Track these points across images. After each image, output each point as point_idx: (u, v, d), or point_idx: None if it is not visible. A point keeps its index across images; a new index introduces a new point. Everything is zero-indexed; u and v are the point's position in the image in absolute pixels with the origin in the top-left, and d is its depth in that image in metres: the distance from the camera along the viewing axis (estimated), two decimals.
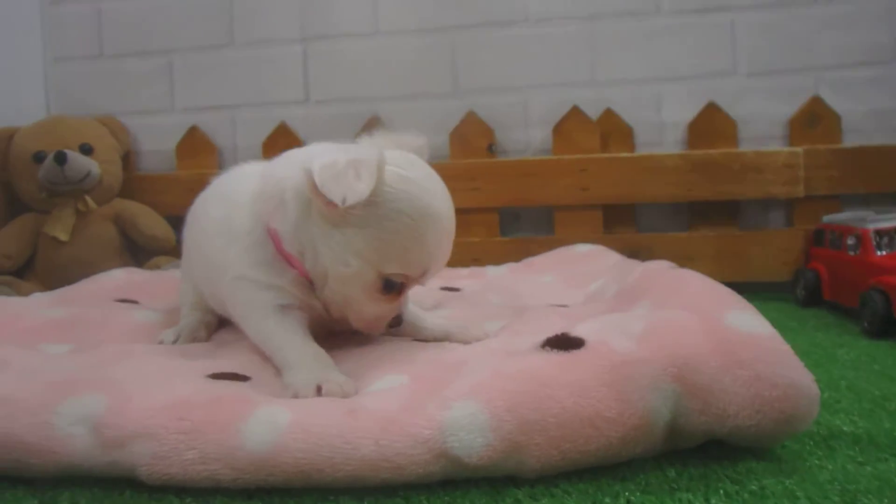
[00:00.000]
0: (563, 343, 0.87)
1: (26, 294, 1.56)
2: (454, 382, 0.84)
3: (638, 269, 1.27)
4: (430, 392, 0.83)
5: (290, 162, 1.04)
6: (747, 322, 0.88)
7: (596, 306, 1.24)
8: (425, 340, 1.13)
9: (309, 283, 1.05)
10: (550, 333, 0.91)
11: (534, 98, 2.14)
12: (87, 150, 2.13)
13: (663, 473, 0.80)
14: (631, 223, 2.08)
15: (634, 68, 2.10)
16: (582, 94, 2.11)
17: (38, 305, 1.37)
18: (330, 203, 0.91)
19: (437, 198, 0.99)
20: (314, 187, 0.91)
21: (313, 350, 1.01)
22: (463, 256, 2.06)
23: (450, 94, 2.18)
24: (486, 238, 2.10)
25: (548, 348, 0.87)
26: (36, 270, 2.09)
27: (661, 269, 1.21)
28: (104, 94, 2.40)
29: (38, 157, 2.08)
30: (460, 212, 2.19)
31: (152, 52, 2.37)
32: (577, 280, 1.63)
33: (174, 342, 1.20)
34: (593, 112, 2.08)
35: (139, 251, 2.18)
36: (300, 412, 0.81)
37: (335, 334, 1.14)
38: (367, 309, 1.02)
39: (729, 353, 0.82)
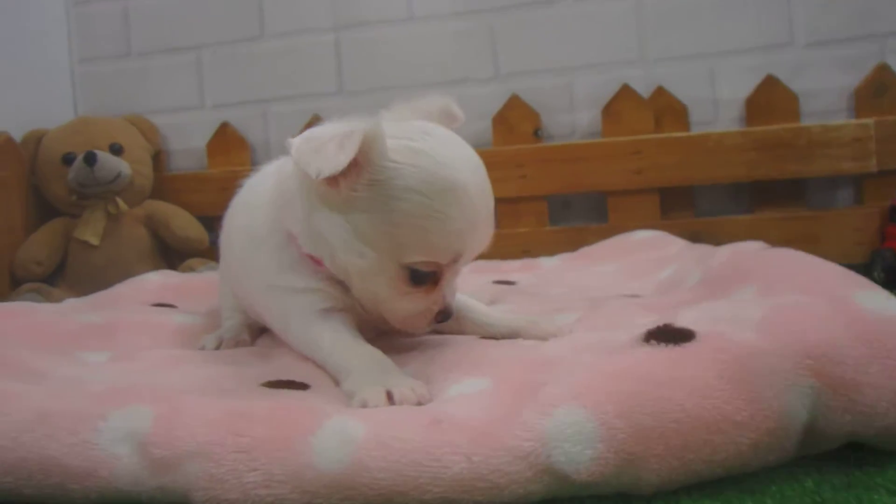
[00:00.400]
0: (671, 335, 0.76)
1: (57, 301, 1.47)
2: (549, 385, 0.73)
3: (723, 252, 1.16)
4: (522, 397, 0.72)
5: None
6: (882, 303, 0.77)
7: (679, 295, 1.12)
8: (492, 338, 1.03)
9: (342, 283, 0.95)
10: (648, 325, 0.80)
11: (580, 79, 2.03)
12: (117, 150, 2.06)
13: (800, 484, 0.69)
14: (689, 207, 1.96)
15: (686, 43, 1.97)
16: (631, 72, 1.99)
17: (73, 311, 1.28)
18: (329, 182, 0.82)
19: (459, 168, 0.85)
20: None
21: (370, 352, 0.91)
22: (512, 248, 1.95)
23: (491, 79, 2.08)
24: (535, 228, 1.99)
25: (653, 342, 0.75)
26: (67, 276, 2.02)
27: (755, 251, 1.09)
28: (132, 93, 2.33)
29: (68, 159, 2.01)
30: (507, 201, 2.14)
31: (180, 49, 2.30)
32: (642, 269, 1.52)
33: (217, 348, 1.13)
34: (644, 91, 1.97)
35: (172, 254, 2.11)
36: (376, 424, 0.71)
37: (385, 335, 1.04)
38: (400, 305, 0.90)
39: (872, 341, 0.71)
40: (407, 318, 0.92)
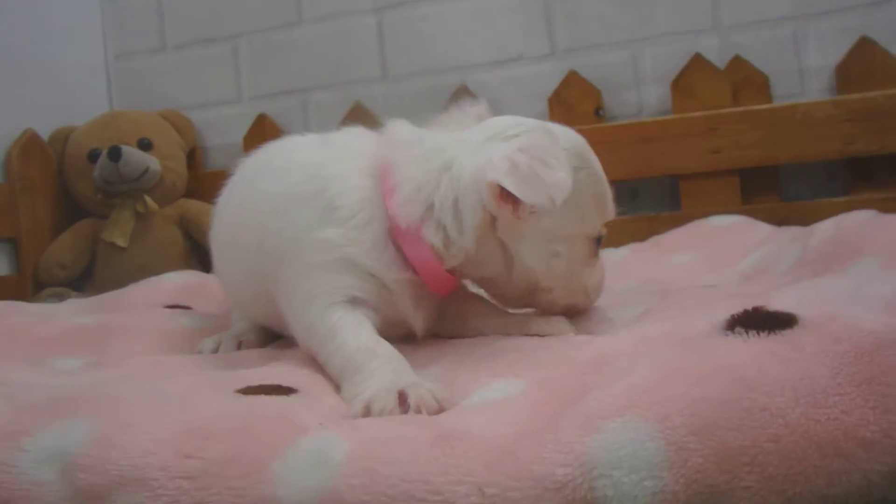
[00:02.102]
0: (764, 321, 0.56)
1: None
2: (599, 388, 0.54)
3: (825, 227, 0.94)
4: (564, 404, 0.55)
5: (436, 165, 0.83)
6: None
7: (771, 279, 0.91)
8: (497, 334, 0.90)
9: (420, 284, 0.86)
10: (732, 310, 0.60)
11: (645, 51, 1.81)
12: (146, 145, 1.94)
13: None
14: (774, 190, 1.72)
15: (765, 6, 1.74)
16: (704, 41, 1.77)
17: (68, 312, 1.17)
18: (517, 209, 0.78)
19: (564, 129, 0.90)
20: (499, 197, 0.76)
21: (387, 349, 0.78)
22: None
23: (547, 56, 1.89)
24: None
25: (740, 330, 0.55)
26: (95, 280, 1.91)
27: (866, 219, 0.88)
28: (168, 88, 2.23)
29: (93, 156, 1.90)
30: None
31: (216, 39, 2.18)
32: (722, 258, 1.30)
33: (214, 351, 1.03)
34: (719, 61, 1.75)
35: (206, 256, 1.97)
36: (364, 441, 0.54)
37: (409, 339, 0.91)
38: (591, 279, 0.91)
39: None
40: (595, 289, 0.93)
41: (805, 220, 1.54)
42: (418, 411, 0.63)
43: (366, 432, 0.55)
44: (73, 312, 1.16)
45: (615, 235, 1.73)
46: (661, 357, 0.55)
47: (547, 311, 0.90)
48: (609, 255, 1.57)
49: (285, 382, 0.72)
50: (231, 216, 1.01)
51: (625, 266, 1.44)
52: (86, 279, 1.94)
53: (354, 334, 0.79)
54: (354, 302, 0.83)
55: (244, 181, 1.02)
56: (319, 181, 0.85)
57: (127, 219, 1.89)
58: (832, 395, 0.48)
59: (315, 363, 0.81)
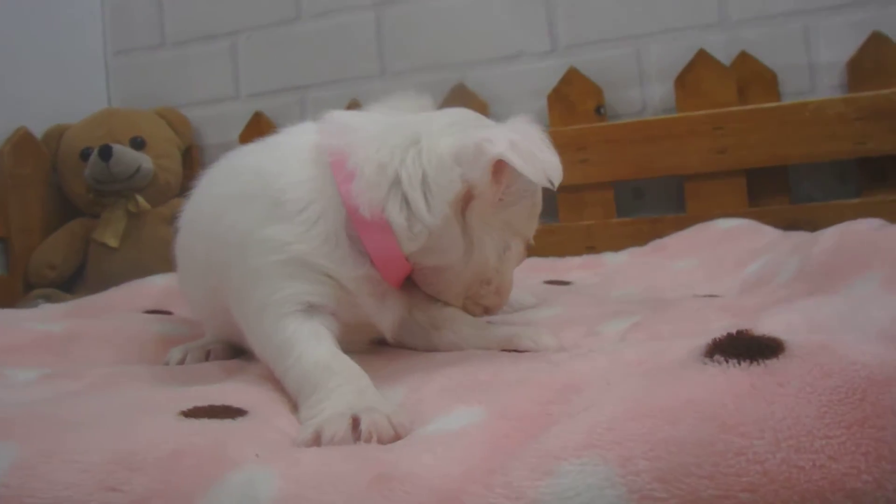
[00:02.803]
0: (746, 347, 0.50)
1: None
2: (562, 422, 0.48)
3: (829, 235, 0.88)
4: (524, 438, 0.49)
5: (400, 141, 0.79)
6: None
7: (767, 293, 0.85)
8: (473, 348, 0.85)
9: (378, 280, 0.81)
10: (717, 333, 0.54)
11: (648, 47, 1.75)
12: (138, 143, 1.91)
13: None
14: (783, 191, 1.65)
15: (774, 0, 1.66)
16: (709, 36, 1.71)
17: (38, 318, 1.12)
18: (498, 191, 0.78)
19: None
20: (497, 175, 0.76)
21: (347, 365, 0.72)
22: (573, 243, 1.70)
23: (547, 52, 1.83)
24: (600, 220, 1.72)
25: (719, 358, 0.50)
26: (86, 281, 1.87)
27: (869, 230, 0.82)
28: (167, 85, 2.20)
29: (85, 154, 1.87)
30: (567, 189, 1.83)
31: (215, 36, 2.14)
32: (725, 263, 1.24)
33: (180, 362, 0.97)
34: (725, 57, 1.68)
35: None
36: (297, 479, 0.48)
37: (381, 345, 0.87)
38: (511, 282, 0.91)
39: None
40: (509, 291, 0.92)
41: (815, 222, 1.49)
42: (368, 440, 0.58)
43: (303, 467, 0.50)
44: (41, 318, 1.11)
45: (616, 238, 1.68)
46: (630, 388, 0.50)
47: (472, 311, 0.90)
48: (608, 260, 1.53)
49: (237, 402, 0.67)
50: (187, 227, 0.97)
51: (623, 271, 1.38)
52: (77, 280, 1.90)
53: (312, 348, 0.73)
54: (311, 310, 0.77)
55: (199, 191, 0.96)
56: (264, 178, 0.80)
57: (119, 218, 1.85)
58: (818, 438, 0.42)
59: (275, 379, 0.75)
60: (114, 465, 0.52)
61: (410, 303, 0.88)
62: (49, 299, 1.67)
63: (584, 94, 1.75)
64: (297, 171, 0.80)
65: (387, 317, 0.83)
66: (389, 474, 0.47)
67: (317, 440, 0.59)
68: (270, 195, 0.78)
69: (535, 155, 0.74)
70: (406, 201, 0.76)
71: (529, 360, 0.73)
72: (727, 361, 0.49)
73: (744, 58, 1.66)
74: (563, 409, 0.54)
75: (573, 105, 1.76)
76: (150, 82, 2.22)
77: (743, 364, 0.48)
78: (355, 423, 0.59)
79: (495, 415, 0.56)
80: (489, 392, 0.61)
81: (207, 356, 0.98)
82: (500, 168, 0.75)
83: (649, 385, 0.49)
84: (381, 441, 0.58)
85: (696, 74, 1.67)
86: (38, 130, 1.98)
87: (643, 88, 1.76)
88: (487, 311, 0.91)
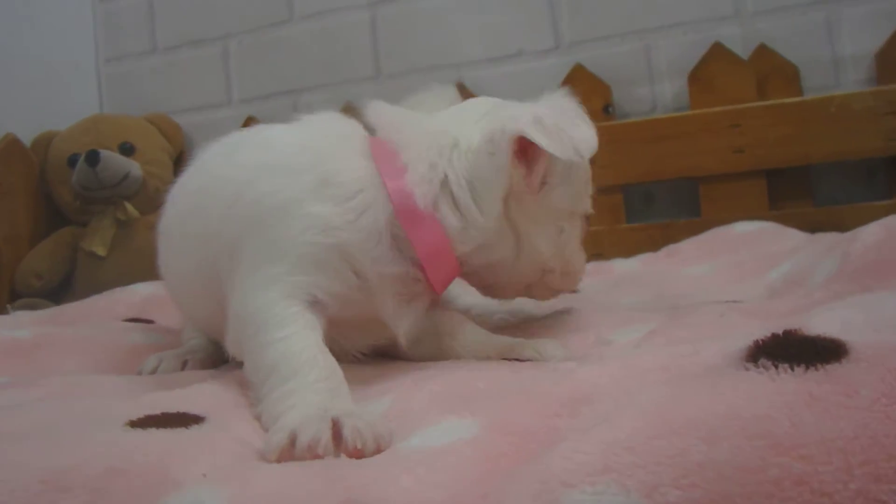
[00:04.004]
0: (798, 349, 0.41)
1: None
2: (570, 439, 0.39)
3: (869, 232, 0.77)
4: (523, 457, 0.41)
5: (445, 141, 0.76)
6: None
7: (804, 295, 0.76)
8: (476, 358, 0.78)
9: (413, 282, 0.75)
10: (756, 334, 0.44)
11: (659, 41, 1.67)
12: (127, 149, 1.84)
13: None
14: (806, 193, 1.55)
15: None
16: (724, 29, 1.62)
17: (8, 324, 1.07)
18: (529, 174, 0.74)
19: None
20: (516, 155, 0.73)
21: (331, 363, 0.64)
22: None
23: (551, 50, 1.75)
24: (609, 226, 1.63)
25: (765, 362, 0.40)
26: (75, 291, 1.79)
27: None
28: (159, 92, 2.15)
29: (73, 161, 1.80)
30: None
31: (206, 40, 2.09)
32: (745, 268, 1.15)
33: (153, 371, 0.91)
34: (742, 50, 1.59)
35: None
36: (249, 502, 0.39)
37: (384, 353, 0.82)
38: (581, 259, 0.88)
39: None
40: (583, 271, 0.90)
41: (841, 226, 1.38)
42: (349, 451, 0.50)
43: (257, 488, 0.41)
44: (10, 325, 1.05)
45: (626, 245, 1.59)
46: (653, 398, 0.40)
47: (541, 297, 0.88)
48: (617, 266, 1.43)
49: (194, 408, 0.58)
50: (186, 202, 0.88)
51: (634, 279, 1.29)
52: (65, 289, 1.83)
53: (305, 333, 0.66)
54: (314, 304, 0.70)
55: (213, 160, 0.88)
56: (312, 154, 0.74)
57: (107, 227, 1.78)
58: None
59: (245, 384, 0.66)
60: (44, 485, 0.45)
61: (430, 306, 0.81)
62: (34, 309, 1.60)
63: (591, 93, 1.66)
64: (348, 157, 0.75)
65: (404, 322, 0.76)
66: (358, 501, 0.38)
67: (291, 448, 0.50)
68: (321, 172, 0.72)
69: (562, 129, 0.71)
70: (456, 203, 0.74)
71: (532, 369, 0.64)
72: (776, 366, 0.39)
73: (762, 51, 1.58)
74: (572, 423, 0.44)
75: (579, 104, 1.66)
76: (141, 89, 2.16)
77: (797, 369, 0.39)
78: (336, 428, 0.51)
79: (490, 428, 0.46)
80: (485, 402, 0.51)
81: (184, 366, 0.92)
82: (524, 147, 0.73)
83: (678, 394, 0.39)
84: (361, 453, 0.50)
85: (711, 69, 1.59)
86: (30, 138, 1.93)
87: (654, 85, 1.67)
88: (558, 293, 0.89)
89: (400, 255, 0.73)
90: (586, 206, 0.85)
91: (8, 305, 1.58)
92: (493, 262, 0.79)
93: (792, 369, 0.39)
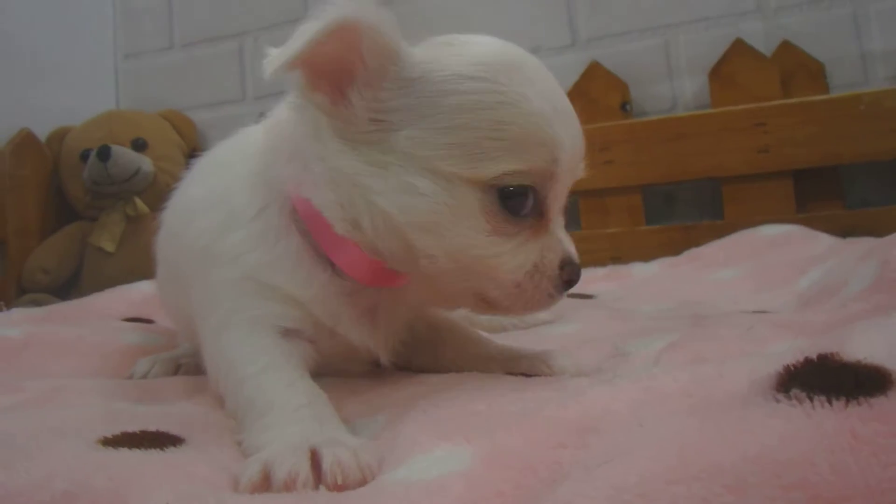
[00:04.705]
0: (836, 378, 0.35)
1: None
2: (575, 477, 0.34)
3: None
4: (518, 497, 0.37)
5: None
6: None
7: (839, 306, 0.70)
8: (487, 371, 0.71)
9: (349, 290, 0.66)
10: (787, 357, 0.39)
11: (679, 38, 1.62)
12: (140, 145, 1.83)
13: None
14: (836, 195, 1.49)
15: None
16: (746, 25, 1.58)
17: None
18: (335, 102, 0.60)
19: (520, 52, 0.65)
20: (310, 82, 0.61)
21: (312, 389, 0.60)
22: (597, 253, 1.55)
23: (567, 46, 1.71)
24: (627, 227, 1.58)
25: (798, 393, 0.35)
26: (82, 286, 1.78)
27: None
28: (174, 88, 2.16)
29: (85, 156, 1.79)
30: (590, 194, 1.67)
31: (223, 37, 2.08)
32: (774, 274, 1.10)
33: (144, 375, 0.87)
34: (764, 47, 1.54)
35: None
36: None
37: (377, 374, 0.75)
38: (505, 259, 0.62)
39: None
40: (520, 284, 0.63)
41: (875, 230, 1.33)
42: (330, 484, 0.45)
43: None
44: (2, 323, 1.01)
45: (645, 248, 1.53)
46: (671, 433, 0.35)
47: (478, 310, 0.70)
48: (636, 271, 1.38)
49: (176, 428, 0.55)
50: (168, 226, 0.85)
51: (654, 283, 1.24)
52: (73, 285, 1.81)
53: (278, 364, 0.62)
54: (287, 333, 0.66)
55: (184, 183, 0.84)
56: (217, 192, 0.71)
57: (116, 222, 1.77)
58: None
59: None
60: None
61: (410, 318, 0.75)
62: (39, 305, 1.58)
63: (608, 90, 1.62)
64: (243, 184, 0.70)
65: (375, 336, 0.69)
66: None
67: (265, 483, 0.45)
68: (226, 210, 0.69)
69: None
70: (309, 173, 0.64)
71: (538, 386, 0.59)
72: (811, 399, 0.34)
73: (786, 47, 1.52)
74: (578, 455, 0.40)
75: (595, 101, 1.62)
76: (158, 85, 2.16)
77: (836, 403, 0.34)
78: (315, 459, 0.47)
79: (485, 460, 0.42)
80: (483, 427, 0.47)
81: (177, 370, 0.89)
82: (319, 74, 0.60)
83: (700, 430, 0.34)
84: (344, 485, 0.45)
85: (733, 66, 1.53)
86: (47, 132, 1.94)
87: (673, 82, 1.62)
88: (495, 308, 0.66)
89: (320, 262, 0.66)
90: (486, 170, 0.59)
91: (29, 304, 1.56)
92: (382, 249, 0.63)
93: (830, 403, 0.34)
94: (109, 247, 1.75)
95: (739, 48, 1.53)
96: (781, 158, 1.47)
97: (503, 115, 0.59)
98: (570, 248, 0.65)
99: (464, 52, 0.61)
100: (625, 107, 1.61)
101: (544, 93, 0.61)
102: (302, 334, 0.66)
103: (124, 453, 0.49)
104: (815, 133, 1.44)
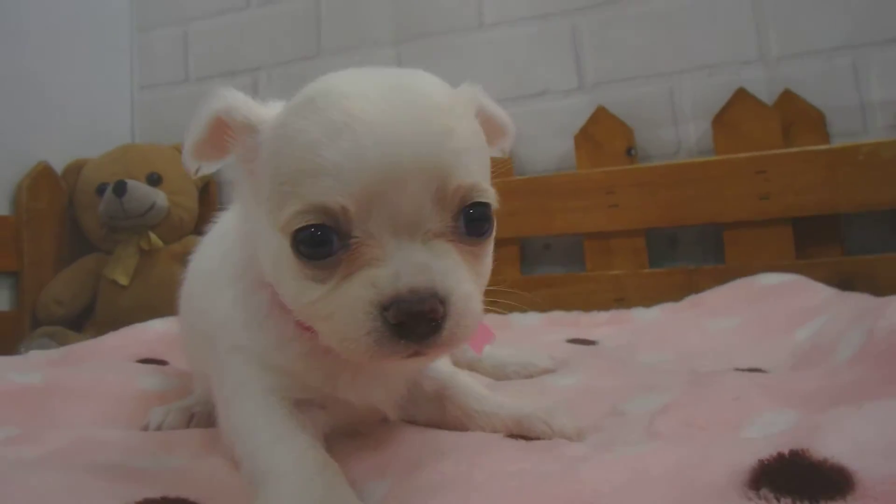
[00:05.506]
0: (802, 480, 0.39)
1: None
2: None
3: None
4: None
5: None
6: None
7: (829, 373, 0.73)
8: (482, 430, 0.74)
9: (335, 354, 0.61)
10: (765, 448, 0.43)
11: (683, 84, 1.65)
12: (154, 180, 1.86)
13: None
14: (835, 242, 1.52)
15: (819, 34, 1.56)
16: (749, 74, 1.61)
17: (21, 367, 1.06)
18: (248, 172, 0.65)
19: (339, 83, 0.61)
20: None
21: (320, 460, 0.62)
22: (600, 296, 1.58)
23: (574, 90, 1.74)
24: (630, 270, 1.61)
25: (767, 494, 0.38)
26: (96, 319, 1.81)
27: None
28: (188, 120, 2.14)
29: (102, 190, 1.83)
30: (594, 236, 1.71)
31: (237, 72, 2.13)
32: (770, 324, 1.13)
33: (159, 427, 0.89)
34: (766, 95, 1.57)
35: None
36: None
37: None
38: (319, 309, 0.58)
39: None
40: (344, 330, 0.55)
41: (873, 278, 1.36)
42: None
43: None
44: (23, 368, 1.04)
45: (648, 290, 1.56)
46: None
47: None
48: (638, 315, 1.41)
49: (194, 493, 0.58)
50: (190, 285, 0.90)
51: (654, 330, 1.27)
52: (87, 317, 1.84)
53: (291, 435, 0.65)
54: (299, 404, 0.69)
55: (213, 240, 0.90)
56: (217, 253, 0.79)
57: (130, 255, 1.80)
58: None
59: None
60: None
61: (410, 374, 0.77)
62: (53, 338, 1.62)
63: (614, 135, 1.65)
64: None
65: (380, 394, 0.72)
66: None
67: None
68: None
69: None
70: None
71: (539, 454, 0.62)
72: (777, 500, 0.37)
73: (787, 96, 1.55)
74: None
75: (602, 146, 1.65)
76: (172, 117, 2.19)
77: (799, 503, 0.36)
78: None
79: None
80: (481, 500, 0.50)
81: (190, 420, 0.90)
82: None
83: None
84: None
85: (736, 114, 1.56)
86: (64, 164, 1.96)
87: (678, 128, 1.65)
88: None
89: (303, 333, 0.67)
90: (276, 220, 0.58)
91: (42, 338, 1.60)
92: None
93: (794, 503, 0.37)
94: (123, 280, 1.78)
95: (742, 97, 1.56)
96: (782, 205, 1.50)
97: (285, 155, 0.58)
98: (405, 279, 0.53)
99: (292, 100, 0.63)
100: (630, 151, 1.64)
101: (330, 118, 0.56)
102: (313, 402, 0.69)
103: None
104: (815, 181, 1.47)
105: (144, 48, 2.25)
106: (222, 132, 0.67)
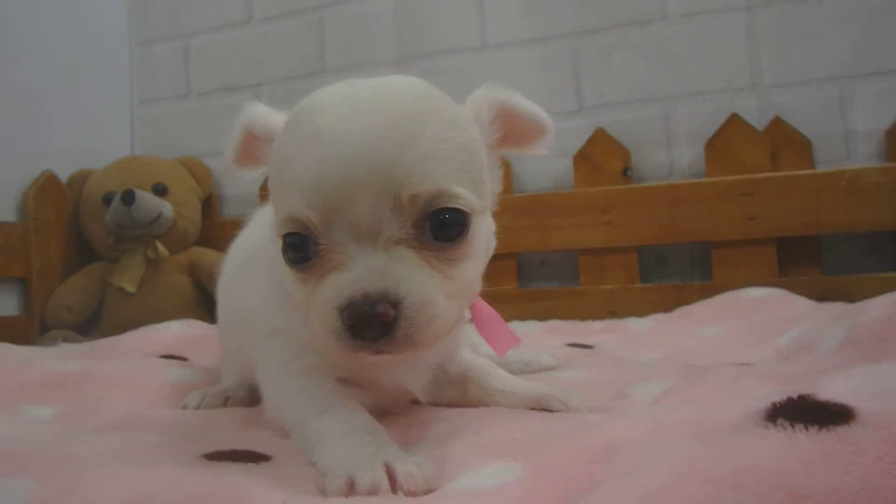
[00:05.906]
0: (812, 412, 0.46)
1: None
2: (610, 483, 0.44)
3: (878, 303, 0.83)
4: (565, 497, 0.45)
5: None
6: None
7: (814, 361, 0.81)
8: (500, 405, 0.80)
9: None
10: (773, 397, 0.50)
11: (678, 109, 1.74)
12: (160, 190, 1.91)
13: None
14: (815, 262, 1.60)
15: (809, 65, 1.66)
16: (741, 100, 1.69)
17: (55, 357, 1.11)
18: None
19: (320, 103, 0.64)
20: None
21: (371, 422, 0.67)
22: (594, 308, 1.65)
23: (574, 112, 1.82)
24: (623, 284, 1.68)
25: (783, 422, 0.45)
26: (102, 325, 1.85)
27: None
28: (189, 135, 2.23)
29: (108, 199, 1.87)
30: (589, 252, 1.82)
31: (239, 87, 2.18)
32: (756, 332, 1.20)
33: (198, 406, 0.94)
34: (757, 122, 1.66)
35: (215, 305, 1.90)
36: None
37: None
38: (305, 307, 0.64)
39: None
40: (318, 327, 0.61)
41: (849, 295, 1.44)
42: (406, 491, 0.54)
43: None
44: (58, 358, 1.09)
45: (639, 304, 1.64)
46: (683, 451, 0.45)
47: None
48: (632, 325, 1.48)
49: (260, 448, 0.63)
50: (230, 269, 0.97)
51: (648, 336, 1.34)
52: (93, 323, 1.88)
53: (343, 405, 0.69)
54: (342, 381, 0.74)
55: (243, 235, 0.98)
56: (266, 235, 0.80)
57: (137, 264, 1.84)
58: None
59: None
60: None
61: (438, 359, 0.83)
62: (66, 340, 1.65)
63: (611, 156, 1.74)
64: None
65: (410, 377, 0.78)
66: None
67: (350, 490, 0.54)
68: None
69: None
70: None
71: (562, 420, 0.68)
72: (792, 426, 0.44)
73: (777, 123, 1.64)
74: (608, 469, 0.49)
75: (599, 166, 1.74)
76: (173, 131, 2.24)
77: (811, 430, 0.44)
78: (390, 472, 0.55)
79: (533, 473, 0.51)
80: (523, 450, 0.56)
81: (225, 402, 0.95)
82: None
83: (705, 448, 0.45)
84: (414, 493, 0.53)
85: (727, 139, 1.65)
86: (65, 175, 2.00)
87: (671, 151, 1.74)
88: None
89: None
90: (276, 224, 0.65)
91: (59, 339, 1.63)
92: None
93: (806, 429, 0.44)
94: (130, 287, 1.82)
95: (734, 122, 1.65)
96: (767, 226, 1.58)
97: (273, 166, 0.66)
98: (360, 283, 0.57)
99: (291, 120, 0.67)
100: (626, 172, 1.72)
101: (302, 133, 0.61)
102: (350, 381, 0.74)
103: (228, 466, 0.58)
104: (800, 204, 1.56)
105: (144, 63, 2.29)
106: (252, 142, 0.74)
